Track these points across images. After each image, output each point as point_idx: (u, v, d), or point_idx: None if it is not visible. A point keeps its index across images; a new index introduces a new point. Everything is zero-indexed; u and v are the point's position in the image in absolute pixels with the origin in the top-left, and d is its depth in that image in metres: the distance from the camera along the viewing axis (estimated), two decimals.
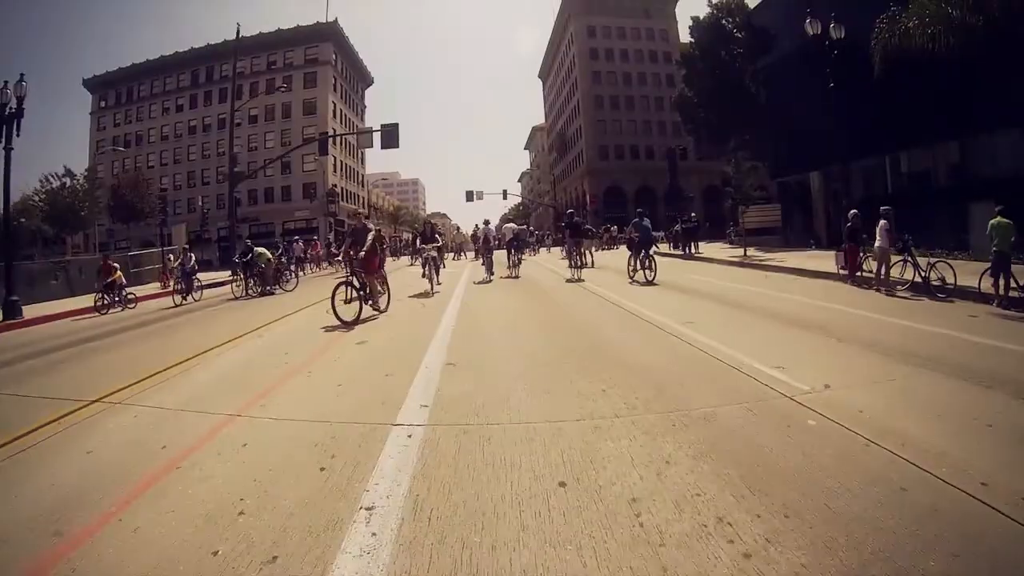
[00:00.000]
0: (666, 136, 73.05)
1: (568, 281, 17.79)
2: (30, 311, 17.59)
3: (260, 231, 60.84)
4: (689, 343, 7.49)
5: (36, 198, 50.14)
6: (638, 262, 16.54)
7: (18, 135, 17.83)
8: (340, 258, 13.54)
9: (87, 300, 18.27)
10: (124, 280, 18.82)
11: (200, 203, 53.52)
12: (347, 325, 10.25)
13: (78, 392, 6.67)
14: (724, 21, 37.16)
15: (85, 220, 50.38)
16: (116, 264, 18.95)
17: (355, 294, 10.82)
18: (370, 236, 11.47)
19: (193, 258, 20.47)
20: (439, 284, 16.87)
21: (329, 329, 10.00)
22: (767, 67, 32.35)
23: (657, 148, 73.26)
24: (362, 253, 11.08)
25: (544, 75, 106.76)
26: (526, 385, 5.86)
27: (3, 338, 13.61)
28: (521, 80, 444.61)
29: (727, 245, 31.79)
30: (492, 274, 19.98)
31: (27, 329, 15.24)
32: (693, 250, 28.05)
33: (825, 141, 25.64)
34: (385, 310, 11.95)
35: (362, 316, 10.78)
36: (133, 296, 18.96)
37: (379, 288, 11.97)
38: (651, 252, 16.52)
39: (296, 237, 33.43)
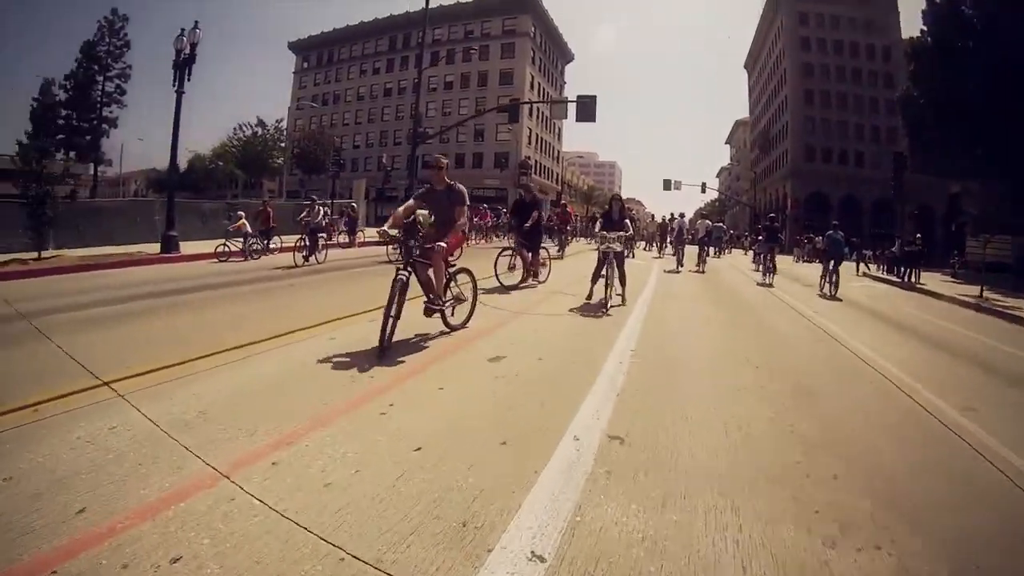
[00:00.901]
0: (879, 142, 64.64)
1: (759, 285, 17.42)
2: (190, 247, 17.78)
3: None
4: (1003, 472, 4.00)
5: (231, 145, 53.26)
6: (826, 274, 16.45)
7: (189, 80, 18.26)
8: (387, 232, 7.00)
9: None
10: (249, 228, 17.45)
11: (385, 160, 54.07)
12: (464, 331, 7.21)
13: (104, 363, 5.20)
14: (964, 7, 31.18)
15: (271, 167, 52.87)
16: (242, 212, 18.20)
17: (397, 301, 6.10)
18: (462, 214, 6.96)
19: (323, 212, 17.60)
20: (620, 295, 10.43)
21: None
22: (1012, 67, 26.29)
23: (867, 154, 65.48)
24: (442, 245, 6.60)
25: (750, 65, 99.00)
26: (743, 534, 2.89)
27: (143, 271, 13.64)
28: (725, 69, 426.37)
29: (948, 278, 26.55)
30: (682, 267, 21.11)
31: (170, 266, 15.13)
32: (915, 279, 23.20)
33: None
34: (463, 325, 7.34)
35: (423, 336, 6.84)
36: (258, 246, 17.83)
37: (452, 290, 7.20)
38: (838, 268, 16.35)
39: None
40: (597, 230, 10.75)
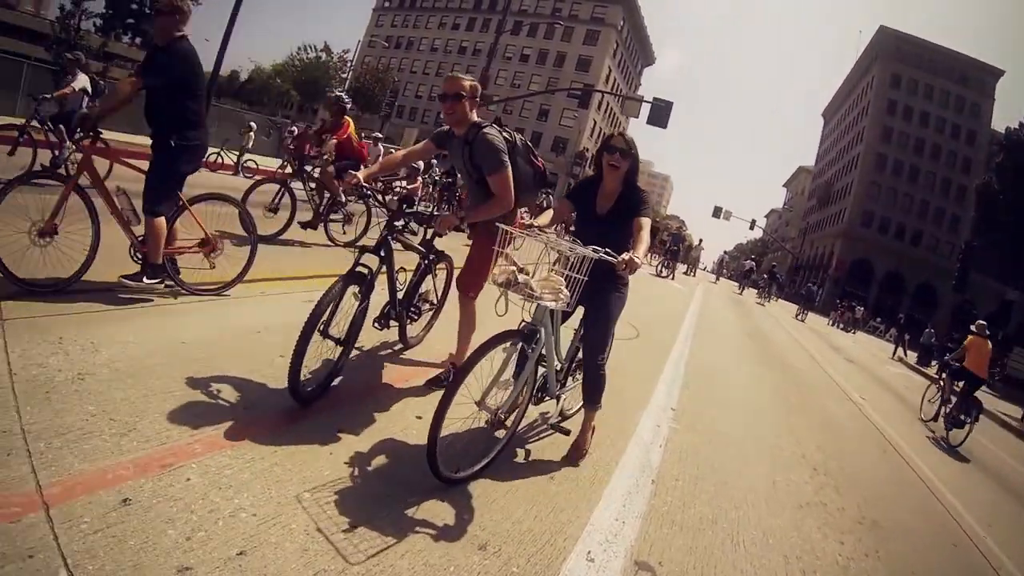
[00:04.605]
0: (941, 227, 62.73)
1: (756, 303, 26.58)
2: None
3: None
4: None
5: (293, 64, 52.39)
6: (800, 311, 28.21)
7: None
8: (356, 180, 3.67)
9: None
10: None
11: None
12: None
13: None
14: None
15: (327, 95, 52.22)
16: (254, 124, 16.80)
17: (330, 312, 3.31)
18: (506, 188, 3.78)
19: (84, 85, 9.64)
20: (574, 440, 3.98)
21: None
22: None
23: (925, 235, 63.26)
24: (450, 216, 3.79)
25: (828, 114, 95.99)
26: None
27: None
28: (802, 112, 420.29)
29: (986, 388, 24.90)
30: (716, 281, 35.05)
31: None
32: None
33: None
34: (419, 339, 4.92)
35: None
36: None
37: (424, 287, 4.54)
38: (808, 309, 28.67)
39: None
40: (542, 223, 3.40)
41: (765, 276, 34.05)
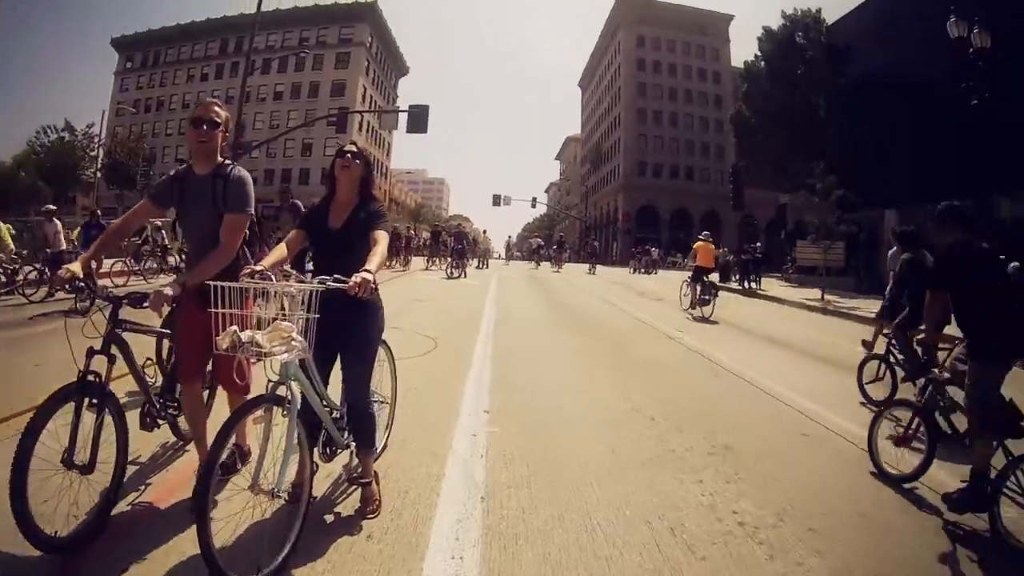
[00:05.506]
0: (708, 158, 70.22)
1: (553, 272, 31.89)
2: None
3: (269, 214, 57.66)
4: None
5: (34, 152, 46.28)
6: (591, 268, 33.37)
7: None
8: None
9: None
10: None
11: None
12: None
13: None
14: (797, 35, 33.69)
15: (83, 180, 46.47)
16: None
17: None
18: (239, 229, 3.30)
19: None
20: None
21: None
22: (842, 89, 29.56)
23: (697, 169, 70.38)
24: (163, 291, 2.95)
25: (584, 84, 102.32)
26: None
27: None
28: (558, 88, 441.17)
29: (784, 283, 27.74)
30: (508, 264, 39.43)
31: None
32: (755, 285, 23.74)
33: (906, 176, 23.36)
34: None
35: None
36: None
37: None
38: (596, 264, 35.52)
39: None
40: (268, 264, 2.94)
41: (555, 247, 40.22)
